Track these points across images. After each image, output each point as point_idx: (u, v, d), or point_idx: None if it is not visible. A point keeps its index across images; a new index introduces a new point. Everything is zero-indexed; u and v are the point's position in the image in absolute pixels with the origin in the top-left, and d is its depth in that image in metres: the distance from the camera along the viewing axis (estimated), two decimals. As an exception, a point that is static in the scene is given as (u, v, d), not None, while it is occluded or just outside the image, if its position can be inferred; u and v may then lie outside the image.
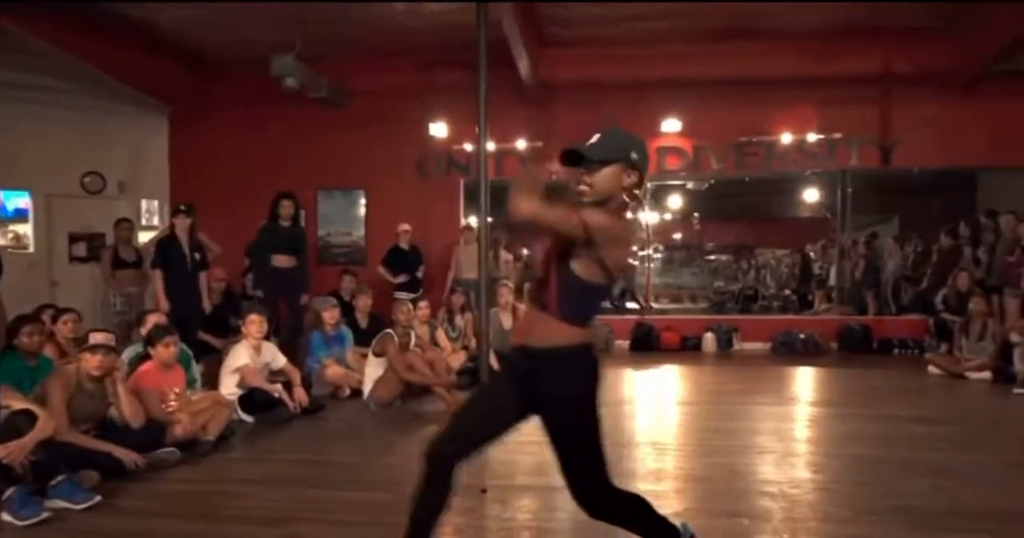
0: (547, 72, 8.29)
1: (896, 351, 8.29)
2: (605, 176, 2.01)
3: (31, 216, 8.66)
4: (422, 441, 4.05)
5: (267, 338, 6.45)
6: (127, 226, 6.73)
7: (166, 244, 5.76)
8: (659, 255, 17.64)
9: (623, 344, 8.63)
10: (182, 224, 5.73)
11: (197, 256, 5.79)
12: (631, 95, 8.37)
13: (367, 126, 8.93)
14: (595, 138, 2.07)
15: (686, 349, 8.44)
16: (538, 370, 1.99)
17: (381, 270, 8.04)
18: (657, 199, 14.14)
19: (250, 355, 4.68)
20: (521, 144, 8.81)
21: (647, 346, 8.48)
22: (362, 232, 9.30)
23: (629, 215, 2.08)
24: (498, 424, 2.11)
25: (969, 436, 4.31)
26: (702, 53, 7.96)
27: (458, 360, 6.13)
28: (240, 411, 4.54)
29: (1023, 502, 3.08)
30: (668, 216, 16.28)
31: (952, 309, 7.61)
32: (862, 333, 8.35)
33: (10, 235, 8.62)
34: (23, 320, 4.04)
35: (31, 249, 8.64)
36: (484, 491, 3.13)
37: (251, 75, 8.02)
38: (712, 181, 11.14)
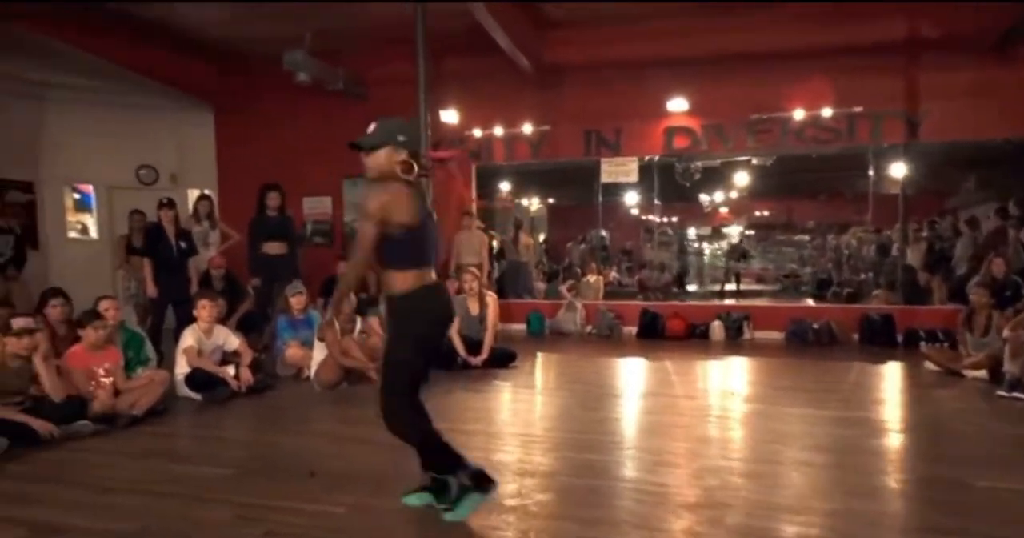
0: (550, 55, 8.26)
1: (923, 344, 7.68)
2: (378, 158, 2.68)
3: (94, 207, 9.72)
4: (332, 420, 4.46)
5: (263, 317, 7.08)
6: (139, 217, 7.43)
7: (154, 234, 6.35)
8: (736, 235, 17.05)
9: (631, 331, 8.56)
10: (166, 216, 6.30)
11: (183, 245, 6.35)
12: (636, 75, 8.20)
13: (384, 115, 9.20)
14: (371, 128, 2.74)
15: (693, 337, 8.26)
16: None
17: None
18: (719, 177, 13.63)
19: (197, 338, 5.15)
20: (528, 128, 8.84)
21: (653, 333, 8.37)
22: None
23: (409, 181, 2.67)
24: None
25: (874, 439, 4.06)
26: (708, 27, 7.67)
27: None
28: (188, 389, 5.02)
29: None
30: (734, 194, 15.70)
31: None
32: (882, 324, 7.82)
33: (78, 225, 9.72)
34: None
35: (95, 236, 9.71)
36: (312, 474, 3.37)
37: (278, 70, 8.54)
38: (774, 156, 10.54)
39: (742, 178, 14.03)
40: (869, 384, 5.97)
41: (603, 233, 14.25)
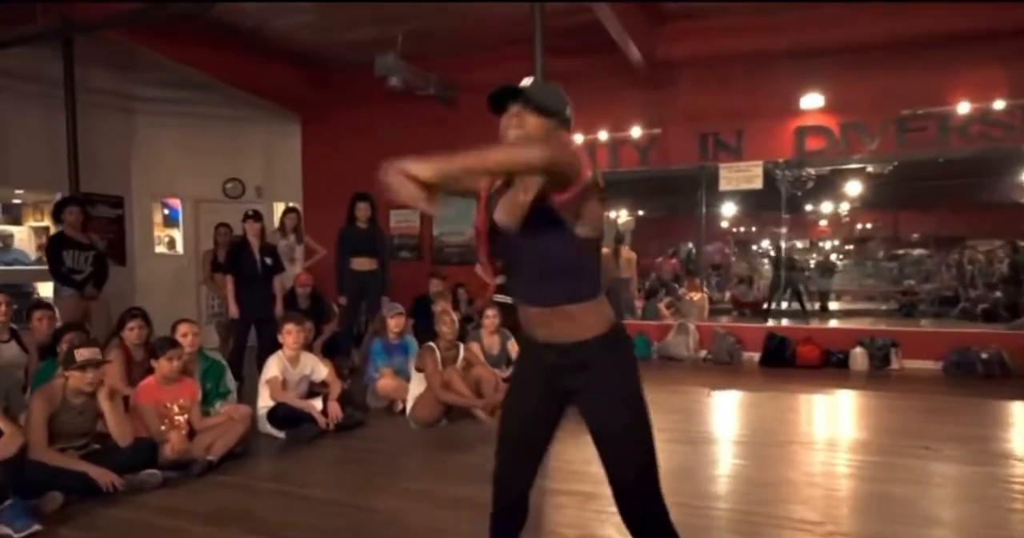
0: (663, 51, 7.43)
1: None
2: (539, 126, 1.81)
3: (181, 221, 9.47)
4: (433, 474, 3.74)
5: (349, 340, 6.49)
6: (225, 230, 6.99)
7: (238, 250, 5.85)
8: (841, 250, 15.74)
9: (753, 357, 7.55)
10: (252, 229, 5.79)
11: (268, 260, 5.82)
12: (761, 69, 7.26)
13: (479, 122, 8.47)
14: (528, 81, 1.89)
15: (829, 365, 7.17)
16: (572, 366, 1.82)
17: (478, 270, 7.71)
18: (832, 187, 12.47)
19: (282, 367, 4.53)
20: (636, 132, 8.00)
21: (780, 360, 7.33)
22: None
23: None
24: (543, 429, 1.93)
25: None
26: (845, 11, 6.65)
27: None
28: (270, 426, 4.41)
29: None
30: (846, 206, 14.39)
31: None
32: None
33: (165, 239, 9.49)
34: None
35: (181, 251, 9.45)
36: None
37: (366, 76, 8.08)
38: (895, 163, 9.52)
39: (854, 187, 12.85)
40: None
41: (690, 246, 13.27)
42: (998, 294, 12.35)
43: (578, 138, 8.20)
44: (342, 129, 9.30)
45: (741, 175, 7.58)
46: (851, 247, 16.26)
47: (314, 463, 4.08)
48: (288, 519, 3.12)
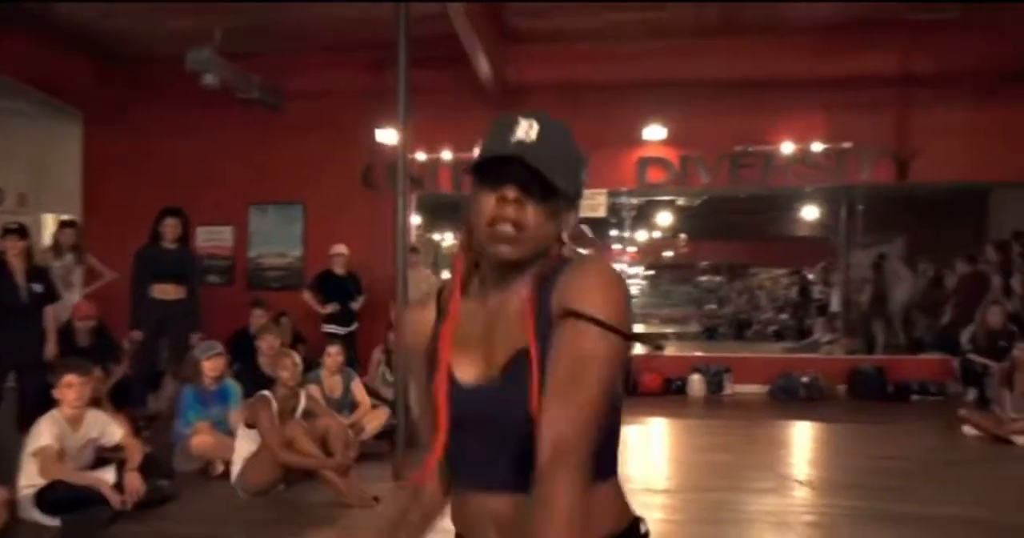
0: (514, 72, 7.16)
1: (915, 397, 7.09)
2: (551, 216, 1.03)
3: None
4: None
5: (147, 384, 5.35)
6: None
7: (-7, 274, 4.52)
8: (646, 276, 16.61)
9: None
10: (14, 247, 4.50)
11: (37, 287, 4.55)
12: (610, 97, 7.22)
13: (306, 132, 7.78)
14: (533, 134, 1.01)
15: (669, 392, 7.23)
16: None
17: (307, 297, 6.85)
18: (643, 216, 13.15)
19: (58, 432, 3.41)
20: (481, 153, 7.62)
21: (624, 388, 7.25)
22: (299, 252, 8.07)
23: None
24: None
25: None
26: (693, 49, 6.88)
27: (379, 420, 4.90)
28: (37, 513, 3.29)
29: None
30: (656, 234, 15.25)
31: (981, 349, 6.47)
32: (875, 376, 7.14)
33: None
34: None
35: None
36: None
37: (175, 73, 6.89)
38: (705, 197, 10.17)
39: (665, 218, 13.68)
40: (936, 458, 4.97)
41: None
42: (784, 316, 13.79)
43: (420, 156, 7.68)
44: (139, 130, 7.92)
45: (586, 203, 7.46)
46: (652, 273, 17.20)
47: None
48: None
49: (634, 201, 10.19)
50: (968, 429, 5.45)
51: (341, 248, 6.95)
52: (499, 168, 1.00)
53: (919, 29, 6.50)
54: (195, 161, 7.81)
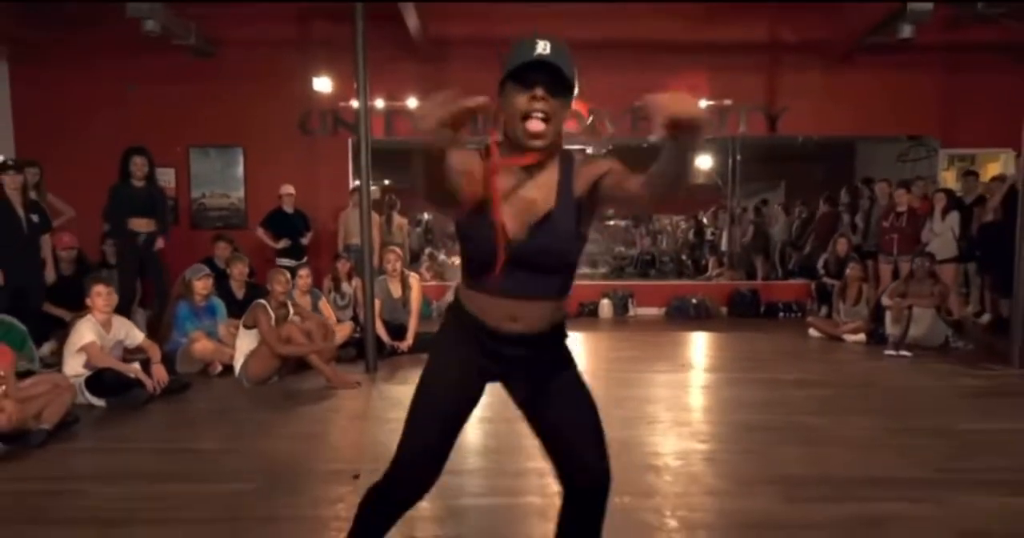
0: (437, 27, 7.91)
1: (781, 315, 8.57)
2: (563, 109, 1.48)
3: None
4: (296, 421, 3.85)
5: (122, 311, 5.96)
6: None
7: (-3, 207, 5.03)
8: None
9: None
10: (12, 182, 5.00)
11: (35, 218, 5.10)
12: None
13: (243, 79, 8.24)
14: (548, 50, 1.49)
15: (582, 315, 8.42)
16: (538, 356, 1.67)
17: (260, 233, 7.51)
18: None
19: (96, 332, 4.15)
20: (413, 102, 8.37)
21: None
22: (241, 194, 8.63)
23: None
24: (464, 420, 1.72)
25: (842, 398, 4.42)
26: (592, 12, 7.84)
27: (344, 332, 5.79)
28: (88, 394, 4.04)
29: (887, 467, 3.14)
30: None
31: (831, 273, 7.90)
32: (751, 298, 8.59)
33: None
34: None
35: None
36: (356, 477, 2.87)
37: (107, 16, 7.19)
38: (611, 145, 11.24)
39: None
40: (787, 350, 6.38)
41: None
42: (684, 257, 15.37)
43: (354, 104, 8.31)
44: (72, 74, 8.12)
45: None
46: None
47: (171, 424, 3.92)
48: (203, 468, 3.10)
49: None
50: (813, 332, 6.93)
51: (289, 188, 7.60)
52: (527, 74, 1.44)
53: (785, 3, 7.77)
54: (130, 105, 8.10)
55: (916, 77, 8.15)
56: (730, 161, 10.30)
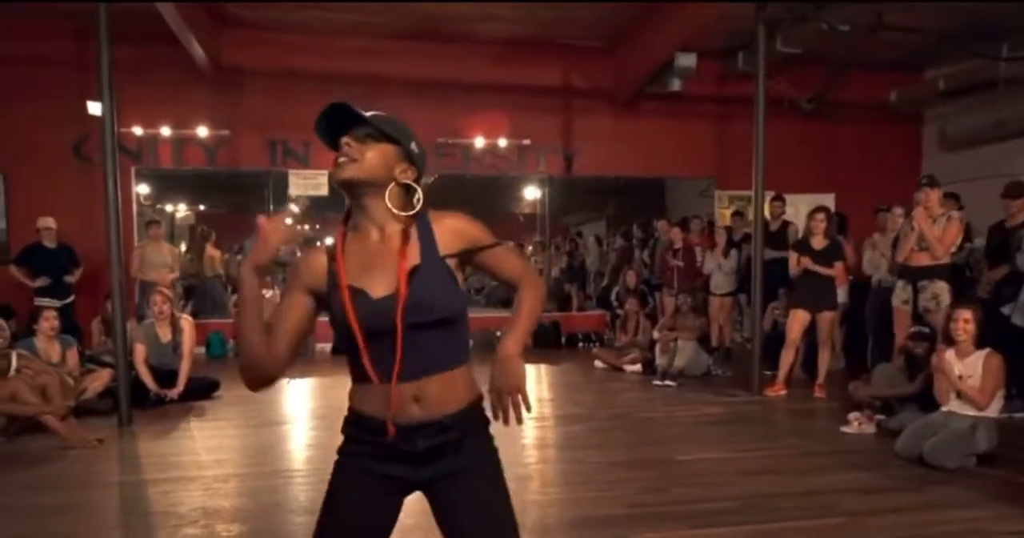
0: (231, 55, 7.64)
1: (581, 345, 8.99)
2: (380, 153, 1.48)
3: None
4: (17, 492, 3.42)
5: None
6: None
7: None
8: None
9: (325, 347, 8.30)
10: None
11: None
12: (324, 87, 7.97)
13: (8, 100, 7.47)
14: (346, 101, 1.50)
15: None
16: (448, 445, 1.49)
17: (13, 271, 6.76)
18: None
19: None
20: (203, 131, 7.96)
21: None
22: (2, 224, 7.74)
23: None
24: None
25: (592, 433, 4.61)
26: (395, 50, 7.96)
27: (102, 379, 5.29)
28: None
29: (585, 506, 3.21)
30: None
31: (623, 304, 8.42)
32: (551, 329, 8.92)
33: None
34: None
35: None
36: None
37: None
38: (435, 176, 11.29)
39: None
40: (571, 382, 6.70)
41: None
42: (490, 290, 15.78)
43: (137, 131, 7.79)
44: None
45: (309, 182, 8.23)
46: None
47: None
48: None
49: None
50: (598, 362, 7.32)
51: (48, 221, 6.92)
52: (335, 140, 1.47)
53: (574, 51, 8.29)
54: None
55: (692, 124, 8.98)
56: (543, 195, 10.73)
